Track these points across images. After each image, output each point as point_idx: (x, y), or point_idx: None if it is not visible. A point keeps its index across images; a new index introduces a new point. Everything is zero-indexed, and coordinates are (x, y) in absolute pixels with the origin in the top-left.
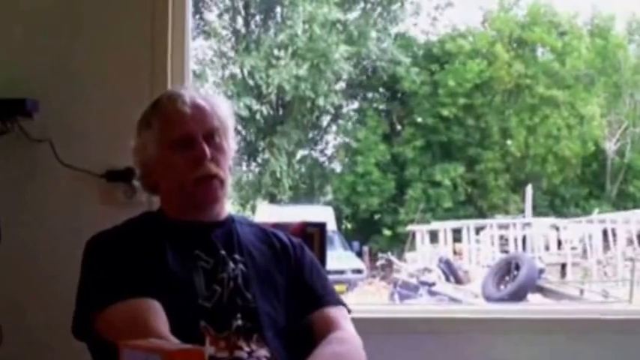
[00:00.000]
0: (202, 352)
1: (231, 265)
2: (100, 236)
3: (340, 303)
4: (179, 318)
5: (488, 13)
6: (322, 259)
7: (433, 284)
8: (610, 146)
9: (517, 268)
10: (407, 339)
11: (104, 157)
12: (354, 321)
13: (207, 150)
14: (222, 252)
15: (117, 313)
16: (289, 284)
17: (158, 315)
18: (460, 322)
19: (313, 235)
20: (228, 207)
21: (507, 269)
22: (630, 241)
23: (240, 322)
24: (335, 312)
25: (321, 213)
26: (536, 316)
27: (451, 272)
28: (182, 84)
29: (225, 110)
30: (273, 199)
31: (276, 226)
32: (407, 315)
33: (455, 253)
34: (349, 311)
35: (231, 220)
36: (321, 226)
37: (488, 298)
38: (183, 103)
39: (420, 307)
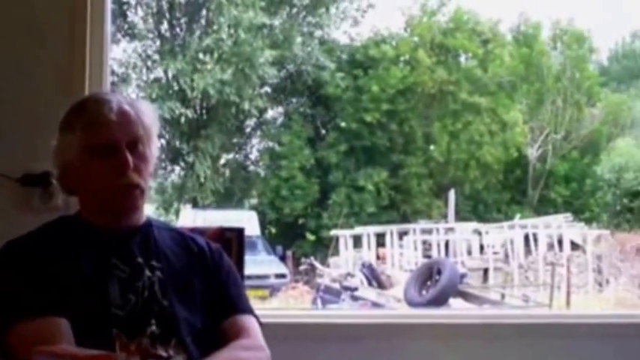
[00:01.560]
0: (111, 358)
1: (147, 273)
2: (12, 245)
3: (252, 313)
4: (92, 326)
5: (411, 18)
6: (240, 265)
7: (356, 289)
8: (532, 152)
9: (439, 272)
10: (328, 345)
11: (19, 161)
12: (276, 326)
13: (130, 159)
14: (140, 260)
15: (25, 332)
16: (206, 289)
17: (64, 336)
18: (382, 327)
19: (231, 240)
20: (150, 211)
21: (429, 274)
22: (551, 246)
23: (154, 327)
24: (246, 321)
25: (244, 217)
26: (457, 320)
27: (374, 277)
28: (101, 86)
29: (150, 117)
30: (196, 203)
31: (194, 230)
32: (328, 320)
33: (378, 257)
34: (260, 323)
35: (149, 224)
36: (238, 232)
37: (410, 303)
38: (110, 110)
39: (342, 312)
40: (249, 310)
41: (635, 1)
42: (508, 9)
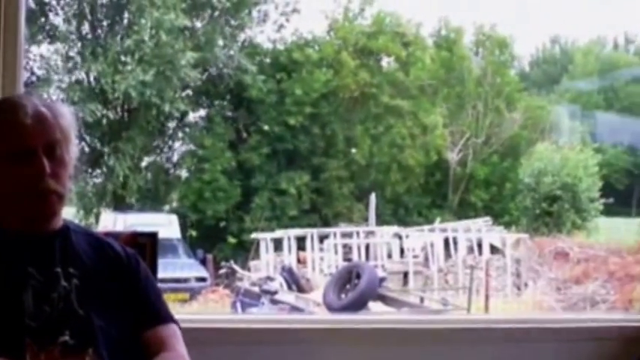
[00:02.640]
0: None
1: (63, 282)
2: None
3: (172, 320)
4: (3, 336)
5: (334, 22)
6: (154, 270)
7: (275, 293)
8: (452, 156)
9: (358, 276)
10: (247, 350)
11: None
12: (195, 331)
13: (47, 164)
14: (57, 269)
15: None
16: (125, 297)
17: None
18: (300, 332)
19: (145, 245)
20: (70, 214)
21: (348, 278)
22: (471, 250)
23: (67, 337)
24: (167, 331)
25: (165, 220)
26: (375, 325)
27: (293, 281)
28: (14, 89)
29: (67, 119)
30: (117, 206)
31: (108, 235)
32: (245, 325)
33: (299, 261)
34: (180, 327)
35: (66, 228)
36: (152, 236)
37: (330, 307)
38: (25, 114)
39: (259, 317)
40: (169, 319)
41: (555, 7)
42: (430, 13)
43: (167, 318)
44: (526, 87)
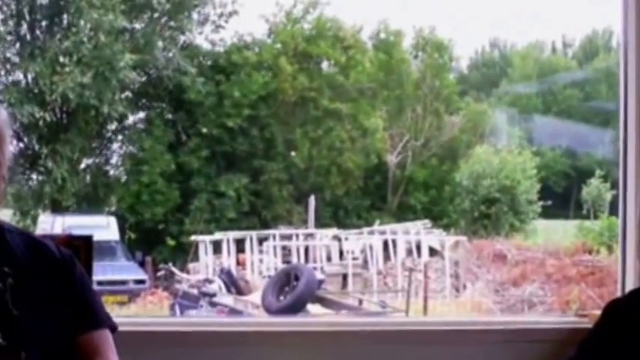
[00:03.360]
0: None
1: None
2: None
3: (106, 324)
4: None
5: (275, 25)
6: (89, 273)
7: (214, 295)
8: (392, 159)
9: (297, 278)
10: (185, 352)
11: None
12: (133, 334)
13: None
14: None
15: None
16: (59, 298)
17: None
18: (238, 334)
19: (79, 248)
20: (7, 217)
21: (287, 280)
22: (410, 252)
23: (0, 338)
24: (100, 337)
25: (104, 222)
26: (312, 328)
27: (232, 283)
28: None
29: (2, 121)
30: (55, 208)
31: (44, 237)
32: (184, 328)
33: (238, 263)
34: (115, 328)
35: (0, 228)
36: (87, 239)
37: (268, 309)
38: None
39: (197, 319)
40: (104, 323)
41: (494, 11)
42: (370, 16)
43: (102, 322)
44: (465, 90)
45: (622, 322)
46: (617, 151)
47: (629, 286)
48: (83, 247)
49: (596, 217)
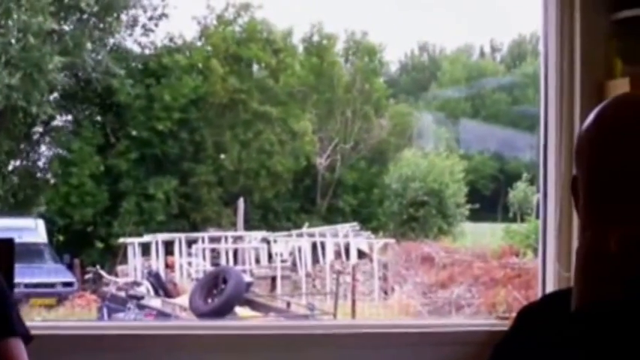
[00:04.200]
0: None
1: None
2: None
3: (20, 333)
4: None
5: (206, 28)
6: (9, 278)
7: (142, 298)
8: (321, 162)
9: (224, 281)
10: (112, 356)
11: None
12: (61, 337)
13: None
14: None
15: None
16: None
17: None
18: (165, 337)
19: (0, 251)
20: None
21: (215, 282)
22: (338, 255)
23: None
24: (12, 346)
25: (31, 225)
26: (241, 331)
27: (160, 285)
28: None
29: None
30: None
31: None
32: (111, 331)
33: (167, 266)
34: (30, 338)
35: None
36: (8, 242)
37: (196, 312)
38: None
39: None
40: (17, 331)
41: (424, 14)
42: (302, 20)
43: (15, 331)
44: (395, 94)
45: (531, 326)
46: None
47: (550, 288)
48: (4, 250)
49: (522, 220)
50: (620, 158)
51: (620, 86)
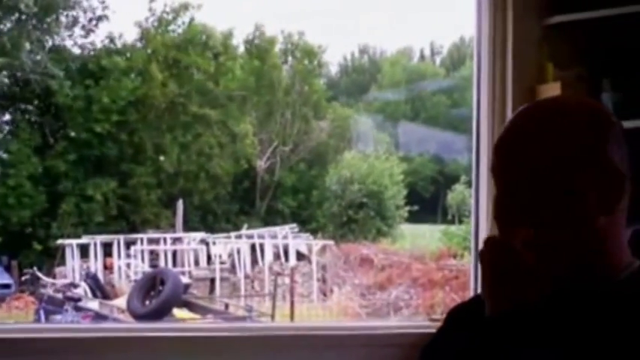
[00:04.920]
0: None
1: None
2: None
3: None
4: None
5: (146, 31)
6: None
7: (79, 300)
8: (261, 164)
9: (162, 283)
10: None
11: None
12: None
13: None
14: None
15: None
16: None
17: None
18: (102, 340)
19: None
20: None
21: (152, 284)
22: (277, 256)
23: None
24: None
25: None
26: (178, 333)
27: (98, 287)
28: None
29: None
30: None
31: None
32: (47, 334)
33: (106, 267)
34: None
35: None
36: None
37: (134, 314)
38: None
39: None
40: None
41: (364, 17)
42: (242, 22)
43: None
44: (335, 96)
45: (458, 327)
46: None
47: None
48: None
49: (460, 222)
50: (499, 164)
51: (551, 90)
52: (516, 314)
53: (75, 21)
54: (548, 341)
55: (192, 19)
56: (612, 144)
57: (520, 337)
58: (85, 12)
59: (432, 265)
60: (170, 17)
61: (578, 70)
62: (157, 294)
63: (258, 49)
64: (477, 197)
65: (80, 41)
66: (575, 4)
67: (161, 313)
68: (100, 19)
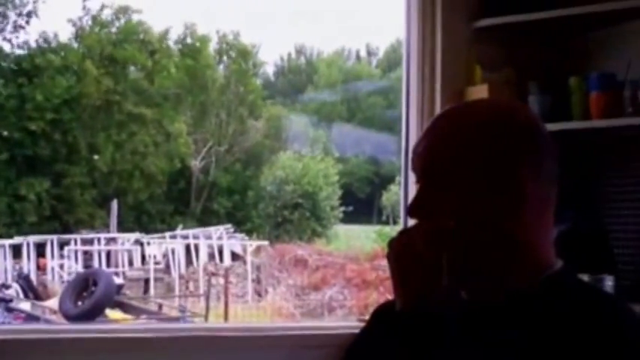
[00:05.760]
0: None
1: None
2: None
3: None
4: None
5: (82, 29)
6: None
7: (11, 300)
8: (196, 164)
9: (95, 283)
10: None
11: None
12: None
13: None
14: None
15: None
16: None
17: None
18: (33, 342)
19: None
20: None
21: (85, 285)
22: (212, 257)
23: None
24: None
25: None
26: (110, 335)
27: (30, 288)
28: None
29: None
30: None
31: None
32: None
33: (39, 268)
34: None
35: None
36: None
37: (66, 315)
38: None
39: None
40: None
41: (299, 17)
42: (176, 21)
43: None
44: (271, 96)
45: (380, 326)
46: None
47: None
48: None
49: (395, 223)
50: (413, 165)
51: (479, 92)
52: (418, 311)
53: (5, 18)
54: (448, 340)
55: (128, 18)
56: (522, 149)
57: (422, 334)
58: (15, 7)
59: (366, 266)
60: (108, 18)
61: (506, 73)
62: (90, 295)
63: (191, 48)
64: (406, 198)
65: (13, 39)
66: (504, 8)
67: (93, 314)
68: (30, 14)
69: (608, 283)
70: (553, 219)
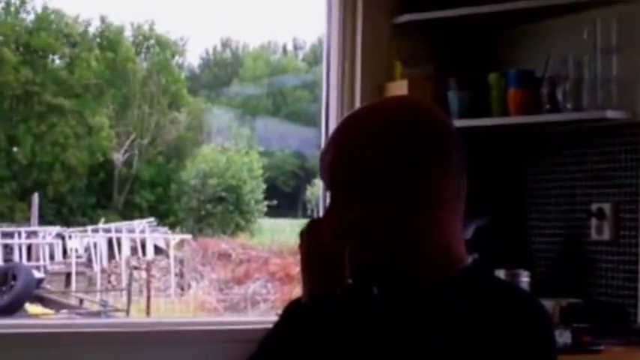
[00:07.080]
0: None
1: None
2: None
3: None
4: None
5: None
6: None
7: None
8: (118, 157)
9: (14, 278)
10: None
11: None
12: None
13: None
14: None
15: None
16: None
17: None
18: None
19: None
20: None
21: (4, 279)
22: (135, 251)
23: None
24: None
25: None
26: (28, 330)
27: None
28: None
29: None
30: None
31: None
32: None
33: None
34: None
35: None
36: None
37: None
38: None
39: None
40: None
41: (226, 10)
42: (93, 12)
43: None
44: (196, 89)
45: (289, 321)
46: None
47: None
48: None
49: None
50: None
51: (398, 88)
52: (325, 307)
53: None
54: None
55: (44, 6)
56: (430, 147)
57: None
58: None
59: (289, 260)
60: (20, 4)
61: (426, 69)
62: (9, 289)
63: (109, 40)
64: (324, 192)
65: None
66: (424, 4)
67: (13, 308)
68: None
69: (524, 278)
70: (463, 214)
